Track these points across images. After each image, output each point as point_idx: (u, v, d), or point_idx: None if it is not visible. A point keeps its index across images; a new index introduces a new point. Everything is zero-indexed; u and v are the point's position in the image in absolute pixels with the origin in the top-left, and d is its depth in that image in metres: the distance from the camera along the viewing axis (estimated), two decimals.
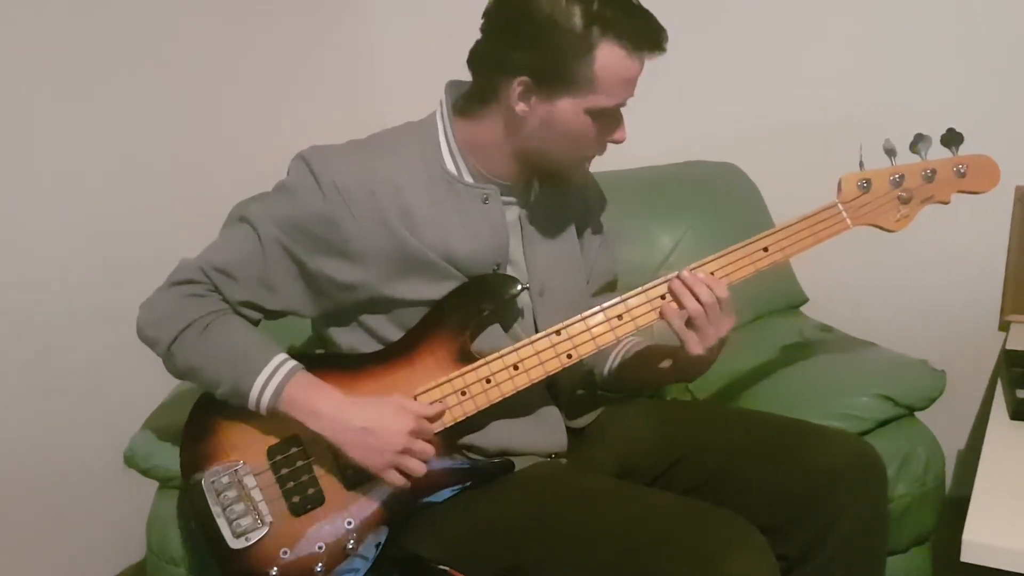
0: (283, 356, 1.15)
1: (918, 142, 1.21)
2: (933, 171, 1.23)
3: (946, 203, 1.25)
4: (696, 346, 1.15)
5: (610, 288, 1.38)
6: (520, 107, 1.11)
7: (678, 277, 1.15)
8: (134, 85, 1.76)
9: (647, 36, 1.09)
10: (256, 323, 1.21)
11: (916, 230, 1.71)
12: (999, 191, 1.78)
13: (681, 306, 1.15)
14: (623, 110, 1.15)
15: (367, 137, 1.22)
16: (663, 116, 1.98)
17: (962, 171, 1.23)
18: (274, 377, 1.12)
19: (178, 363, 1.17)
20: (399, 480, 1.12)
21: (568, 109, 1.10)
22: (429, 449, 1.12)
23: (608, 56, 1.07)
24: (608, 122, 1.14)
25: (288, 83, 2.10)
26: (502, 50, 1.11)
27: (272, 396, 1.12)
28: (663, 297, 1.17)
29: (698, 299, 1.14)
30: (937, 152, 1.22)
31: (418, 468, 1.11)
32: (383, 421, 1.10)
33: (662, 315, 1.16)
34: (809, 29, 1.91)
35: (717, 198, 1.85)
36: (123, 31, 1.73)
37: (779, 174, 1.88)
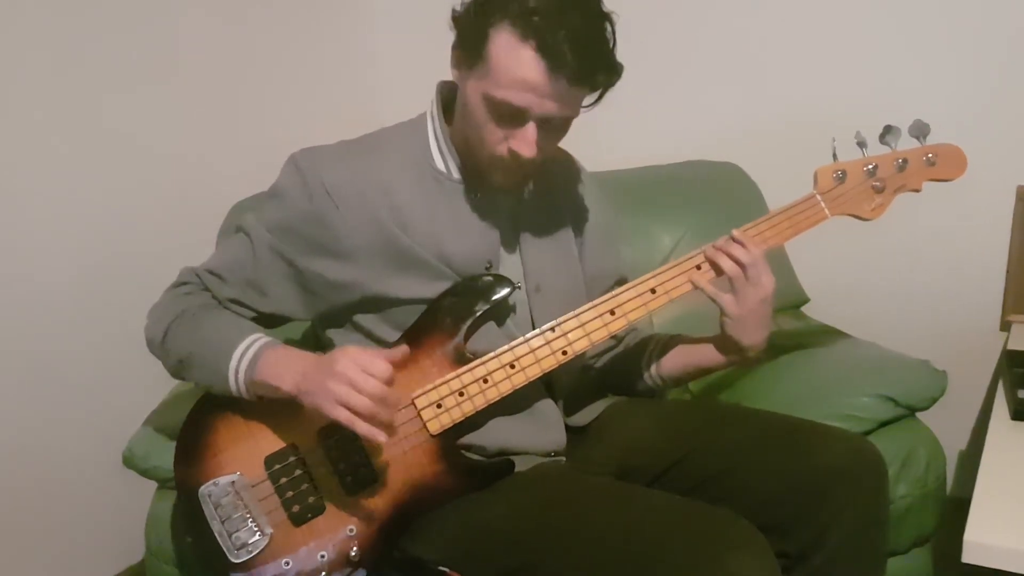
0: (259, 335, 1.14)
1: (887, 133, 1.24)
2: (904, 160, 1.26)
3: (917, 191, 1.28)
4: (733, 306, 1.18)
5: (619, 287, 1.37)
6: (454, 72, 1.12)
7: (711, 246, 1.19)
8: (134, 83, 1.76)
9: (564, 58, 1.00)
10: None
11: (917, 230, 1.71)
12: (1000, 191, 1.81)
13: (719, 270, 1.18)
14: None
15: (359, 137, 1.22)
16: (664, 116, 1.99)
17: (932, 159, 1.27)
18: (247, 352, 1.11)
19: (171, 357, 1.18)
20: (343, 415, 1.03)
21: (472, 89, 1.08)
22: (374, 388, 1.03)
23: (503, 42, 1.02)
24: (510, 123, 1.08)
25: (287, 82, 2.11)
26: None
27: (247, 371, 1.10)
28: (653, 291, 1.18)
29: (735, 259, 1.18)
30: (906, 143, 1.25)
31: (361, 403, 1.02)
32: (319, 366, 1.06)
33: (693, 284, 1.19)
34: (811, 29, 1.91)
35: (717, 198, 1.84)
36: (124, 30, 1.73)
37: (780, 174, 1.86)
